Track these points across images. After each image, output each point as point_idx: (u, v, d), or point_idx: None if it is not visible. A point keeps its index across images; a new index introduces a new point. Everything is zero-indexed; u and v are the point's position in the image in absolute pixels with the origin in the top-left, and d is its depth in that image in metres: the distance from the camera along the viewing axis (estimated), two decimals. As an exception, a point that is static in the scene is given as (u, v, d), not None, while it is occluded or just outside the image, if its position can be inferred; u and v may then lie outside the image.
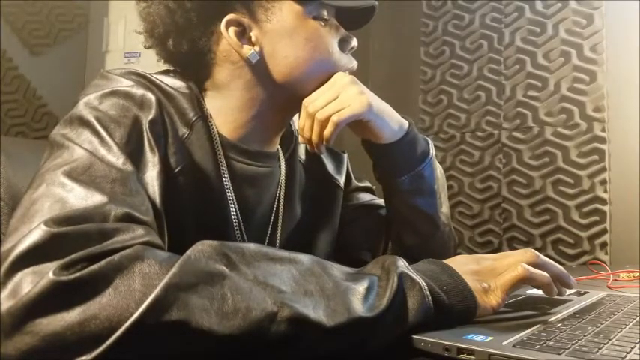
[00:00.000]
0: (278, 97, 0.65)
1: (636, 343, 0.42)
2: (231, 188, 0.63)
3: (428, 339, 0.43)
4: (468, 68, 1.97)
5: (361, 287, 0.44)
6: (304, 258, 0.45)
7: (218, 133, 0.63)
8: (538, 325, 0.48)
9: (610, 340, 0.43)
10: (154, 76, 0.62)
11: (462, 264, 0.53)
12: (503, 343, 0.41)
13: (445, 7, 2.03)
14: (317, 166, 0.78)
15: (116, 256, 0.38)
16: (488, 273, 0.53)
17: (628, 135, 1.64)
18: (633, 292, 0.71)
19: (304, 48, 0.62)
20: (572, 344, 0.41)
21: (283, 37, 0.62)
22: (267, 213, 0.70)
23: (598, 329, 0.47)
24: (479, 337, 0.43)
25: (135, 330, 0.35)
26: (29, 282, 0.35)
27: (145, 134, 0.54)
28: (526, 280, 0.53)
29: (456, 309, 0.49)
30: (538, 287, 0.56)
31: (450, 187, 1.96)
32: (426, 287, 0.47)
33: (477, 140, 1.92)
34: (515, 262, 0.54)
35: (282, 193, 0.71)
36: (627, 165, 1.63)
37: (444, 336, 0.43)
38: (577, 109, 1.71)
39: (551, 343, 0.42)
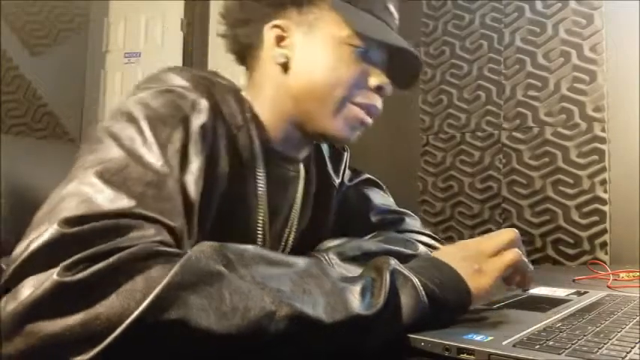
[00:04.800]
0: (300, 108, 0.65)
1: (636, 343, 0.42)
2: (265, 193, 0.64)
3: (428, 339, 0.43)
4: (468, 68, 1.97)
5: (357, 287, 0.45)
6: (302, 261, 0.45)
7: (259, 137, 0.64)
8: (538, 325, 0.48)
9: (610, 340, 0.43)
10: (205, 76, 0.62)
11: (450, 254, 0.54)
12: (503, 343, 0.41)
13: (445, 7, 2.03)
14: (320, 165, 0.78)
15: (119, 256, 0.37)
16: (478, 255, 0.54)
17: (628, 135, 1.64)
18: (633, 292, 0.71)
19: (327, 68, 0.63)
20: (572, 344, 0.41)
21: (314, 53, 0.63)
22: (286, 214, 0.71)
23: (598, 329, 0.47)
24: (479, 337, 0.43)
25: (134, 329, 0.35)
26: (30, 285, 0.35)
27: (192, 137, 0.52)
28: (517, 265, 0.55)
29: (451, 301, 0.50)
30: (521, 275, 0.58)
31: (450, 187, 1.96)
32: (418, 283, 0.48)
33: (477, 140, 1.92)
34: (503, 242, 0.56)
35: (299, 195, 0.72)
36: (627, 165, 1.63)
37: (444, 336, 0.43)
38: (577, 109, 1.71)
39: (551, 343, 0.42)
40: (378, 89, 0.65)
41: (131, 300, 0.35)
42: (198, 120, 0.54)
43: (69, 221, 0.39)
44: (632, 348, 0.41)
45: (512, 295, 0.65)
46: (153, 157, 0.47)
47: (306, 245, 0.71)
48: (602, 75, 1.68)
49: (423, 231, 0.81)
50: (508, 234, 0.57)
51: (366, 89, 0.65)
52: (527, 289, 0.62)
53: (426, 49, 2.07)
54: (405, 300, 0.46)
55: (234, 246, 0.42)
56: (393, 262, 0.49)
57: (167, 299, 0.36)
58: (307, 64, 0.63)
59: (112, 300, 0.35)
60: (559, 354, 0.39)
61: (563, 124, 1.74)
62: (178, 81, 0.58)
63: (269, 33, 0.64)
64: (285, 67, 0.64)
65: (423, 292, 0.47)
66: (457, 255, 0.54)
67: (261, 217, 0.64)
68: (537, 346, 0.41)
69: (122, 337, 0.34)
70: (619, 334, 0.45)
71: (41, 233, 0.38)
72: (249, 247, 0.43)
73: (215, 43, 2.57)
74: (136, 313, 0.35)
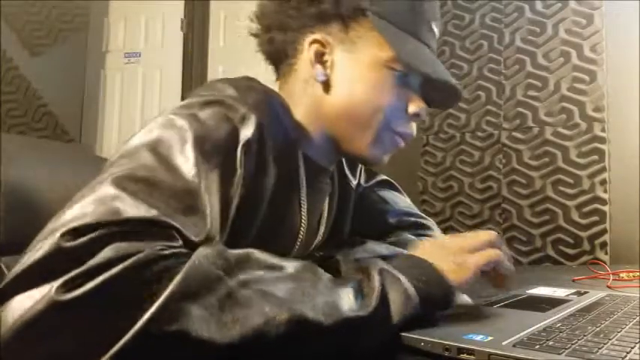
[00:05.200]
0: (338, 128, 0.64)
1: (636, 343, 0.42)
2: (305, 205, 0.64)
3: (428, 339, 0.43)
4: (468, 68, 1.97)
5: (349, 288, 0.45)
6: (295, 264, 0.45)
7: (303, 152, 0.63)
8: (538, 325, 0.48)
9: (610, 340, 0.43)
10: (252, 86, 0.61)
11: (430, 252, 0.55)
12: (503, 343, 0.41)
13: (445, 7, 2.03)
14: (339, 169, 0.78)
15: (117, 269, 0.36)
16: (458, 251, 0.55)
17: (628, 135, 1.64)
18: (633, 292, 0.71)
19: (367, 91, 0.62)
20: (572, 344, 0.41)
21: (354, 73, 0.62)
22: (316, 223, 0.71)
23: (598, 329, 0.47)
24: (479, 337, 0.43)
25: (136, 341, 0.34)
26: (23, 303, 0.35)
27: (237, 150, 0.51)
28: (497, 262, 0.55)
29: (437, 298, 0.50)
30: (501, 274, 0.58)
31: (450, 187, 1.96)
32: (406, 281, 0.48)
33: (477, 140, 1.92)
34: (482, 240, 0.56)
35: (326, 205, 0.72)
36: (627, 165, 1.63)
37: (444, 336, 0.43)
38: (577, 109, 1.71)
39: (551, 343, 0.42)
40: (415, 115, 0.64)
41: (131, 313, 0.35)
42: (246, 132, 0.53)
43: (69, 233, 0.37)
44: (632, 348, 0.41)
45: (512, 295, 0.65)
46: (187, 167, 0.46)
47: (324, 247, 0.71)
48: (602, 75, 1.68)
49: (438, 234, 0.81)
50: (488, 234, 0.57)
51: (405, 115, 0.64)
52: (508, 290, 0.62)
53: (426, 49, 2.06)
54: (395, 299, 0.46)
55: (234, 251, 0.42)
56: (381, 262, 0.49)
57: (169, 311, 0.35)
58: (347, 85, 0.62)
59: (110, 316, 0.35)
60: (559, 354, 0.39)
61: (563, 124, 1.74)
62: (228, 91, 0.57)
63: (309, 47, 0.63)
64: (325, 85, 0.63)
65: (413, 290, 0.47)
66: (437, 252, 0.55)
67: (302, 229, 0.64)
68: (537, 346, 0.41)
69: (126, 349, 0.34)
70: (619, 334, 0.45)
71: (41, 246, 0.37)
72: (249, 250, 0.43)
73: (215, 43, 2.57)
74: (138, 325, 0.34)
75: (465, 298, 0.60)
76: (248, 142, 0.53)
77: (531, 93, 1.81)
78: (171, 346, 0.36)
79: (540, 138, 1.77)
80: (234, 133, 0.52)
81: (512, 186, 1.82)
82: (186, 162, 0.46)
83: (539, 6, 1.82)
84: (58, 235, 0.37)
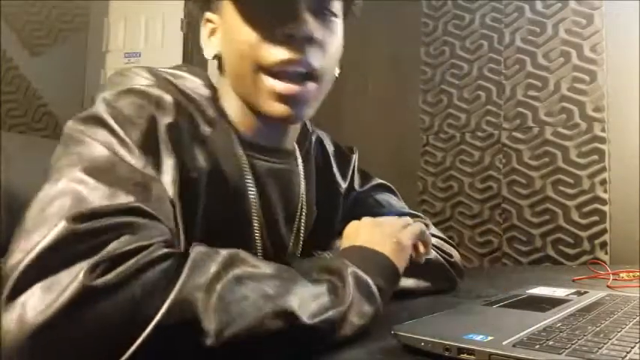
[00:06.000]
0: (240, 96, 0.61)
1: (636, 343, 0.42)
2: (255, 188, 0.61)
3: (428, 339, 0.43)
4: (468, 68, 1.97)
5: (323, 288, 0.46)
6: (272, 265, 0.46)
7: (234, 129, 0.61)
8: (538, 325, 0.48)
9: (610, 340, 0.43)
10: (172, 72, 0.60)
11: (369, 236, 0.57)
12: (503, 343, 0.41)
13: (445, 7, 2.03)
14: (326, 167, 0.77)
15: (138, 259, 0.37)
16: (393, 229, 0.59)
17: (628, 135, 1.64)
18: (633, 292, 0.71)
19: (232, 46, 0.58)
20: (572, 344, 0.41)
21: (226, 36, 0.60)
22: (293, 213, 0.68)
23: (598, 329, 0.47)
24: (479, 337, 0.43)
25: (156, 333, 0.35)
26: (48, 290, 0.34)
27: (160, 137, 0.51)
28: (423, 233, 0.62)
29: (389, 289, 0.54)
30: (424, 244, 0.63)
31: (450, 187, 1.96)
32: (370, 281, 0.50)
33: (477, 140, 1.92)
34: (403, 220, 0.62)
35: (302, 194, 0.69)
36: (627, 165, 1.63)
37: (444, 336, 0.43)
38: (577, 109, 1.71)
39: (551, 343, 0.42)
40: (291, 39, 0.55)
41: (156, 304, 0.36)
42: (166, 118, 0.52)
43: (76, 218, 0.37)
44: (632, 348, 0.41)
45: (512, 295, 0.65)
46: (133, 158, 0.46)
47: (312, 247, 0.71)
48: (602, 75, 1.68)
49: (436, 234, 0.81)
50: (403, 219, 0.63)
51: (269, 45, 0.55)
52: (424, 259, 0.66)
53: (426, 49, 2.07)
54: (364, 294, 0.48)
55: (225, 250, 0.43)
56: (348, 263, 0.50)
57: (183, 300, 0.37)
58: (225, 51, 0.60)
59: (140, 306, 0.35)
60: (559, 354, 0.39)
61: (563, 124, 1.74)
62: (140, 80, 0.56)
63: (204, 28, 0.63)
64: (219, 60, 0.62)
65: (374, 287, 0.50)
66: (376, 235, 0.58)
67: (255, 218, 0.62)
68: (537, 346, 0.41)
69: (146, 342, 0.34)
70: (619, 334, 0.45)
71: (46, 234, 0.36)
72: (232, 250, 0.44)
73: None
74: (158, 316, 0.35)
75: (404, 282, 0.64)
76: (170, 126, 0.52)
77: (531, 93, 1.81)
78: (186, 337, 0.37)
79: (540, 138, 1.77)
80: (154, 120, 0.51)
81: (512, 186, 1.82)
82: (129, 154, 0.47)
83: (539, 6, 1.82)
84: (64, 221, 0.37)
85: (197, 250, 0.41)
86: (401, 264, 0.57)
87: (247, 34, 0.56)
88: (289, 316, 0.41)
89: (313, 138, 0.75)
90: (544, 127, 1.77)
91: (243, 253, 0.44)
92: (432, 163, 2.01)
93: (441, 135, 2.00)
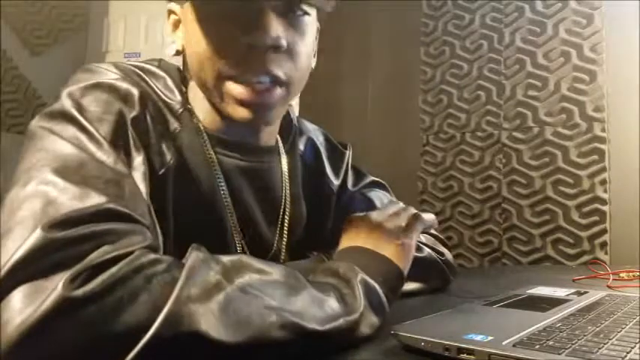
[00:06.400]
0: (204, 94, 0.59)
1: (636, 343, 0.42)
2: (225, 186, 0.60)
3: (428, 339, 0.43)
4: (468, 68, 1.97)
5: (332, 295, 0.45)
6: (279, 269, 0.45)
7: (203, 126, 0.59)
8: (538, 325, 0.48)
9: (610, 340, 0.43)
10: (142, 67, 0.58)
11: (375, 239, 0.57)
12: (503, 343, 0.41)
13: (445, 7, 2.03)
14: (316, 164, 0.75)
15: (120, 266, 0.35)
16: (394, 229, 0.59)
17: (628, 135, 1.64)
18: (633, 292, 0.71)
19: (193, 50, 0.56)
20: (572, 344, 0.41)
21: (187, 36, 0.58)
22: (274, 213, 0.66)
23: (598, 329, 0.47)
24: (479, 337, 0.43)
25: (152, 345, 0.33)
26: (23, 301, 0.32)
27: (129, 132, 0.49)
28: (424, 224, 0.63)
29: (394, 297, 0.54)
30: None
31: (449, 187, 1.96)
32: (377, 287, 0.50)
33: (477, 140, 1.92)
34: (400, 207, 0.65)
35: (287, 191, 0.67)
36: (627, 165, 1.63)
37: (444, 336, 0.43)
38: (577, 109, 1.71)
39: (551, 343, 0.42)
40: (254, 48, 0.52)
41: (147, 313, 0.34)
42: (132, 112, 0.51)
43: (53, 226, 0.36)
44: (632, 348, 0.41)
45: (513, 295, 0.65)
46: (103, 154, 0.45)
47: (305, 247, 0.70)
48: (602, 75, 1.68)
49: (430, 231, 0.80)
50: (395, 204, 0.65)
51: (233, 58, 0.53)
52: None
53: (426, 49, 2.06)
54: (371, 308, 0.48)
55: (227, 257, 0.42)
56: (357, 270, 0.50)
57: (179, 313, 0.35)
58: (188, 47, 0.58)
59: (126, 315, 0.34)
60: (559, 354, 0.39)
61: (563, 124, 1.74)
62: (108, 74, 0.54)
63: (169, 20, 0.61)
64: (183, 55, 0.60)
65: (382, 294, 0.50)
66: (382, 238, 0.57)
67: (229, 211, 0.60)
68: (537, 346, 0.41)
69: (140, 355, 0.33)
70: (619, 334, 0.45)
71: (22, 242, 0.34)
72: (234, 256, 0.43)
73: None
74: (153, 329, 0.34)
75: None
76: (136, 120, 0.51)
77: (531, 93, 1.81)
78: (186, 348, 0.35)
79: (540, 138, 1.77)
80: (122, 115, 0.50)
81: (512, 186, 1.82)
82: (99, 150, 0.45)
83: (539, 6, 1.82)
84: (39, 228, 0.35)
85: (195, 256, 0.40)
86: (405, 266, 0.57)
87: (207, 44, 0.54)
88: (296, 325, 0.40)
89: (302, 130, 0.73)
90: (544, 127, 1.77)
91: (245, 258, 0.43)
92: (432, 163, 2.01)
93: (441, 135, 2.00)
